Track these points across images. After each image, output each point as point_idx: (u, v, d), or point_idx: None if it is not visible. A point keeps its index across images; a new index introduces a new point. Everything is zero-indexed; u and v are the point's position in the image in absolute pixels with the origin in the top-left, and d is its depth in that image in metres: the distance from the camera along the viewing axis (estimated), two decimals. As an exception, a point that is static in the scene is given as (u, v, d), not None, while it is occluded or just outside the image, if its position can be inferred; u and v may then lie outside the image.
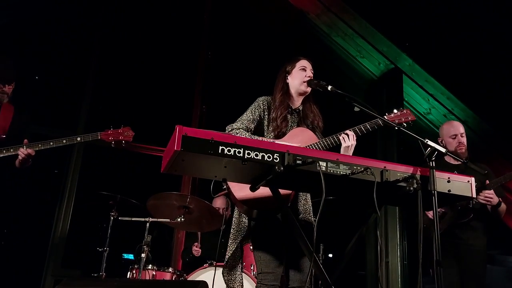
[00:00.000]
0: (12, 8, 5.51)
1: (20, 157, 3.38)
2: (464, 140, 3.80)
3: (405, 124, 2.77)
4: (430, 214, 3.57)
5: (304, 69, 2.87)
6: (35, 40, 5.58)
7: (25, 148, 3.38)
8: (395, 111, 2.83)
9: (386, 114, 2.82)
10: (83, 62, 5.85)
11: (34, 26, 5.65)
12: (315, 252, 2.56)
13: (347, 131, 2.67)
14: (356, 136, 2.68)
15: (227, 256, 2.69)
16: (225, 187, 2.53)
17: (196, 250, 4.59)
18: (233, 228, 2.72)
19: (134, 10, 6.27)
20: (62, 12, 5.86)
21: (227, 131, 2.69)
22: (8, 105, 3.69)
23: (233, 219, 2.75)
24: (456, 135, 3.79)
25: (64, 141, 3.48)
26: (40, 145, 3.44)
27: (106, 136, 3.57)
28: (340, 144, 2.66)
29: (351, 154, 2.61)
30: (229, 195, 2.54)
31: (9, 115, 3.63)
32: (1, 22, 5.45)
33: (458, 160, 3.68)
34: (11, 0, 5.45)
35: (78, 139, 3.51)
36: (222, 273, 2.73)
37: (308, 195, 2.80)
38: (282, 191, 2.34)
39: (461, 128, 3.85)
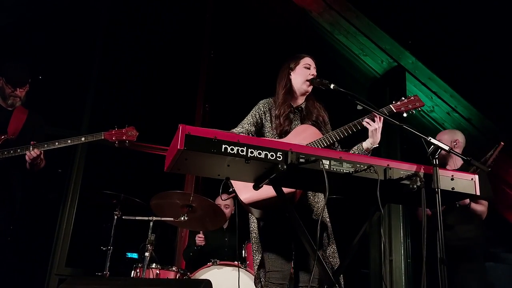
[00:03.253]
0: (14, 9, 5.53)
1: (27, 159, 3.43)
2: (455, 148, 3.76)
3: (413, 111, 2.72)
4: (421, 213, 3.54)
5: (308, 67, 2.86)
6: (37, 40, 5.59)
7: (31, 149, 3.41)
8: (402, 98, 2.77)
9: (393, 101, 2.75)
10: (86, 61, 5.86)
11: (37, 26, 5.66)
12: (319, 250, 2.58)
13: (369, 116, 2.60)
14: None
15: (255, 266, 2.70)
16: (231, 190, 2.53)
17: (200, 238, 4.58)
18: (253, 235, 2.73)
19: (136, 9, 6.27)
20: (64, 12, 5.87)
21: None
22: (22, 109, 3.75)
23: (250, 228, 2.76)
24: (451, 141, 3.81)
25: (69, 141, 3.52)
26: (45, 145, 3.48)
27: (110, 136, 3.58)
28: (343, 138, 2.65)
29: (379, 137, 2.60)
30: (237, 199, 2.55)
31: (22, 118, 3.69)
32: (4, 22, 5.47)
33: (458, 161, 3.67)
34: (14, 1, 5.46)
35: (83, 139, 3.55)
36: (254, 282, 2.73)
37: (319, 194, 2.78)
38: (286, 190, 2.35)
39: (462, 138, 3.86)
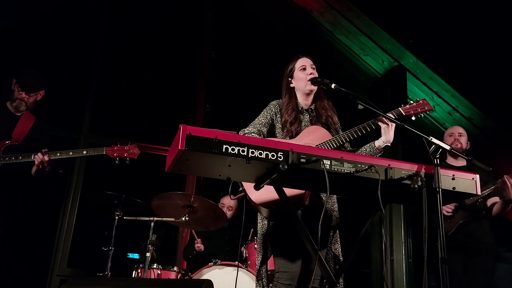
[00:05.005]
0: (16, 10, 5.53)
1: (36, 161, 3.45)
2: (461, 138, 3.94)
3: (421, 114, 2.74)
4: (444, 210, 3.61)
5: (304, 68, 2.85)
6: (38, 40, 5.59)
7: (42, 154, 3.45)
8: (411, 101, 2.79)
9: (402, 105, 2.75)
10: (87, 62, 5.86)
11: (38, 27, 5.66)
12: (323, 249, 2.58)
13: (380, 117, 2.62)
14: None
15: (257, 264, 2.70)
16: (241, 189, 2.53)
17: (198, 246, 4.61)
18: (258, 233, 2.74)
19: (136, 9, 6.27)
20: (64, 13, 5.88)
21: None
22: (29, 115, 3.78)
23: (258, 225, 2.76)
24: (453, 133, 3.94)
25: (71, 153, 3.58)
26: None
27: (112, 152, 3.62)
28: (353, 139, 2.65)
29: (392, 135, 2.62)
30: (247, 199, 2.55)
31: (28, 125, 3.72)
32: (4, 23, 5.48)
33: (460, 160, 3.73)
34: (15, 2, 5.46)
35: (84, 152, 3.62)
36: (256, 281, 2.72)
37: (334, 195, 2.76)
38: (296, 191, 2.36)
39: (459, 129, 4.03)
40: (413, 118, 2.73)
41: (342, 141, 2.64)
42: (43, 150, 3.49)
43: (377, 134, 2.68)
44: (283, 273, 2.58)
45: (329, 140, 2.66)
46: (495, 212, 3.68)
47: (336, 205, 2.78)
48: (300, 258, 2.63)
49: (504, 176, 3.47)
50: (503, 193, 3.47)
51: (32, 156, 3.47)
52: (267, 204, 2.45)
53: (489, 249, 3.71)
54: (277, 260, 2.62)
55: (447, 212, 3.67)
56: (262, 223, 2.72)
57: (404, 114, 2.70)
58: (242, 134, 2.67)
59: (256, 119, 2.80)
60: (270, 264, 2.80)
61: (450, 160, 3.98)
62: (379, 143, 2.66)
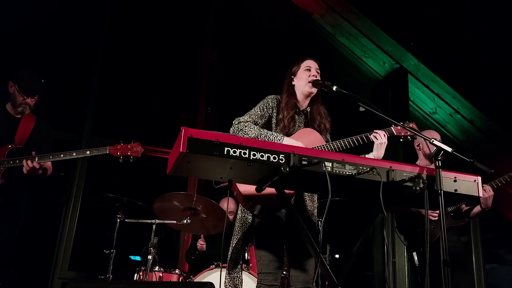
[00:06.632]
0: (17, 13, 5.55)
1: (24, 169, 3.43)
2: None
3: (409, 137, 2.79)
4: (431, 215, 3.59)
5: (308, 69, 2.87)
6: (39, 43, 5.61)
7: (30, 161, 3.42)
8: (401, 123, 2.84)
9: (393, 126, 2.82)
10: (89, 64, 5.87)
11: (39, 30, 5.67)
12: (322, 252, 2.57)
13: (377, 130, 2.70)
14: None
15: (229, 253, 2.71)
16: None
17: (201, 243, 4.59)
18: (236, 225, 2.73)
19: (138, 11, 6.29)
20: (66, 15, 5.89)
21: (234, 124, 2.68)
22: (30, 115, 3.79)
23: (237, 216, 2.76)
24: (435, 139, 3.84)
25: (74, 154, 3.56)
26: (50, 157, 3.52)
27: (115, 151, 3.61)
28: (345, 149, 2.67)
29: (383, 152, 2.66)
30: (232, 188, 2.54)
31: (29, 126, 3.72)
32: (6, 26, 5.49)
33: (433, 163, 3.69)
34: (18, 4, 5.48)
35: (88, 152, 3.59)
36: (227, 270, 2.74)
37: (315, 195, 2.79)
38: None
39: (438, 136, 3.90)
40: (401, 140, 2.82)
41: (334, 149, 2.68)
42: (33, 153, 3.46)
43: (367, 147, 2.72)
44: (266, 274, 2.57)
45: (322, 145, 2.68)
46: (471, 216, 3.73)
47: (316, 212, 2.79)
48: (283, 259, 2.63)
49: (484, 185, 3.50)
50: (482, 201, 3.53)
51: (29, 160, 3.42)
52: (253, 198, 2.43)
53: (461, 253, 3.68)
54: (261, 261, 2.60)
55: (434, 216, 3.62)
56: (242, 216, 2.71)
57: (395, 134, 2.82)
58: (237, 122, 2.68)
59: (253, 110, 2.79)
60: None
61: (423, 163, 3.90)
62: (369, 157, 2.68)
